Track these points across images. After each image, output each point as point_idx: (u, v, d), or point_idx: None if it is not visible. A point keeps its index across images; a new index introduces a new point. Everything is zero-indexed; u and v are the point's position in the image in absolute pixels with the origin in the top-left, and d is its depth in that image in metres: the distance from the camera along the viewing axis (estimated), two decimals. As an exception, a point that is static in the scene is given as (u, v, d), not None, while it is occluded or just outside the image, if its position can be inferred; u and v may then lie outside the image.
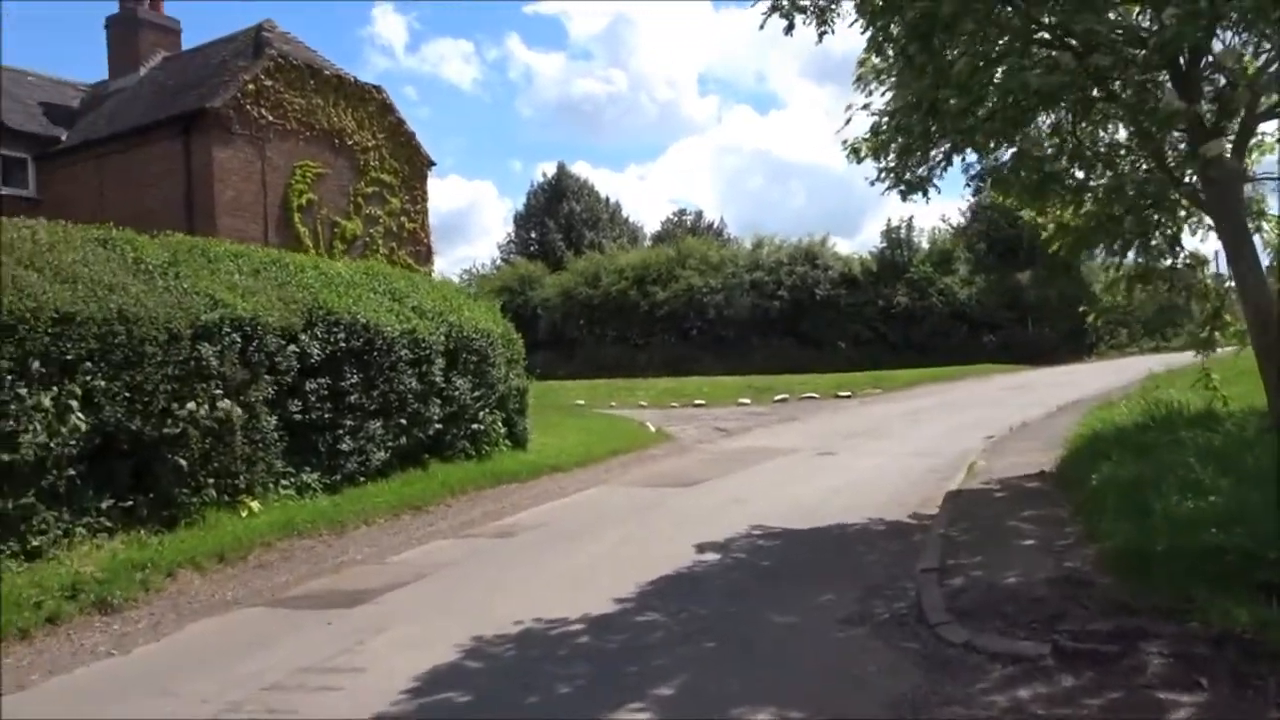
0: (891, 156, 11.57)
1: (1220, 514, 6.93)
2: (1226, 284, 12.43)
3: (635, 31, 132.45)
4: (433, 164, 26.99)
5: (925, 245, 41.57)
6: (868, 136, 11.77)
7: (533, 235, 52.13)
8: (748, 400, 31.34)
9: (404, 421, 14.18)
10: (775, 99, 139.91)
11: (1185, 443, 9.94)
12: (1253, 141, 10.94)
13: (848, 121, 11.51)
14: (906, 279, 39.70)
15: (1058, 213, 12.72)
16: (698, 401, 31.65)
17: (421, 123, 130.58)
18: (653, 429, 23.44)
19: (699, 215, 66.53)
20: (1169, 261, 11.45)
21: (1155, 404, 13.33)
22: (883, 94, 11.52)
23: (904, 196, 11.55)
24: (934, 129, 10.54)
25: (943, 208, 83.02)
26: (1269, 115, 9.80)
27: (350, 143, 23.88)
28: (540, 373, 42.34)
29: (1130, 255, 12.00)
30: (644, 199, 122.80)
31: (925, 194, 11.28)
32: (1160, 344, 43.51)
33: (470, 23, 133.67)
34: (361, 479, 13.27)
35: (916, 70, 9.26)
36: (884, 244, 41.01)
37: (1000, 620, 6.43)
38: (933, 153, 11.09)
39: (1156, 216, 10.79)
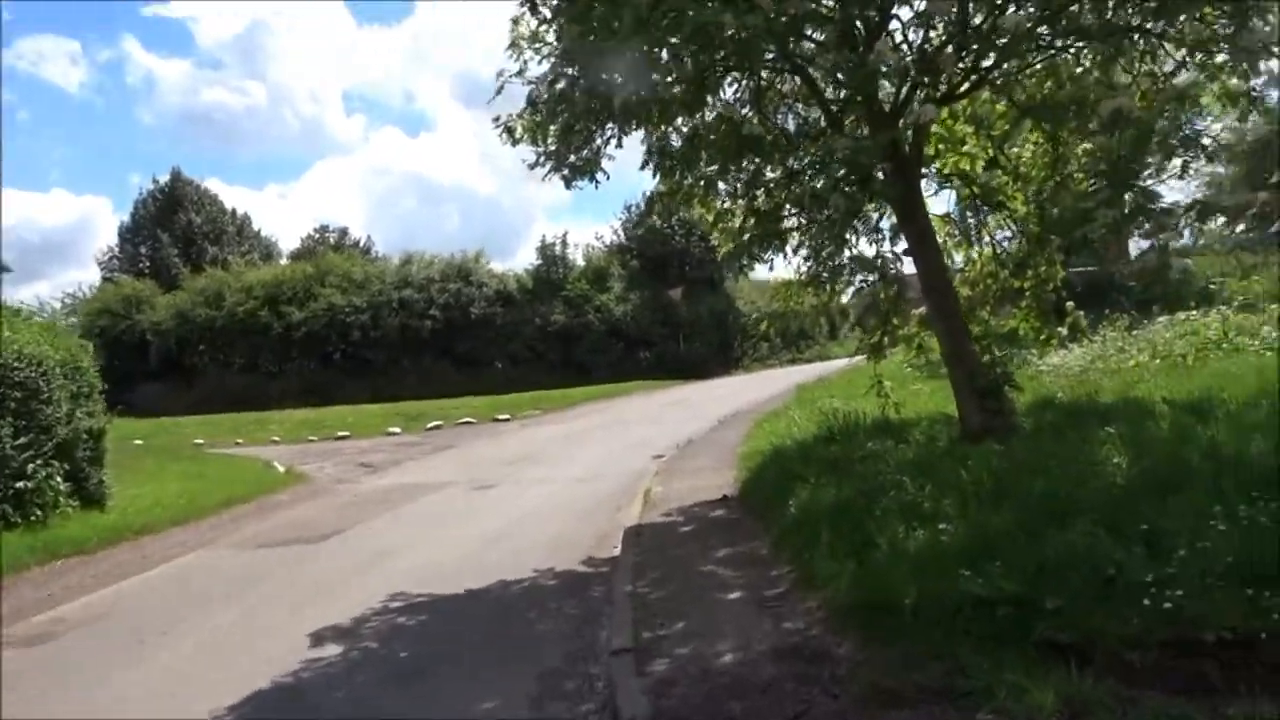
0: (552, 138, 9.73)
1: (963, 546, 5.64)
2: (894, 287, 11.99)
3: (273, 40, 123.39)
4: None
5: (581, 262, 41.03)
6: (524, 113, 9.84)
7: (143, 251, 45.05)
8: (398, 429, 28.48)
9: (-115, 486, 9.99)
10: (425, 120, 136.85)
11: (879, 456, 8.95)
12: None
13: (499, 91, 9.46)
14: (563, 296, 38.78)
15: (728, 209, 11.60)
16: (340, 434, 28.27)
17: (20, 129, 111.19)
18: (282, 469, 19.99)
19: (343, 233, 62.05)
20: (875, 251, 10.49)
21: (830, 414, 12.59)
22: (540, 62, 9.66)
23: (568, 183, 9.74)
24: (597, 106, 8.82)
25: (596, 227, 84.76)
26: (947, 98, 9.13)
27: None
28: (148, 408, 36.76)
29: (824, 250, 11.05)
30: (286, 219, 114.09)
31: (593, 178, 9.54)
32: (796, 355, 46.49)
33: (75, 20, 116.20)
34: None
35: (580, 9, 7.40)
36: (539, 261, 39.86)
37: (728, 729, 4.58)
38: (603, 130, 9.38)
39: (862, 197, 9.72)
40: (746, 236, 11.28)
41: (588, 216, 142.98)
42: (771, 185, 10.92)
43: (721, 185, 11.02)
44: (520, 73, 9.23)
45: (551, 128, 9.58)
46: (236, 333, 35.90)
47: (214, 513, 15.12)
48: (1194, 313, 19.62)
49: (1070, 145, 11.34)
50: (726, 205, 11.57)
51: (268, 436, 29.04)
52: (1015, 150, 12.00)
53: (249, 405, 34.50)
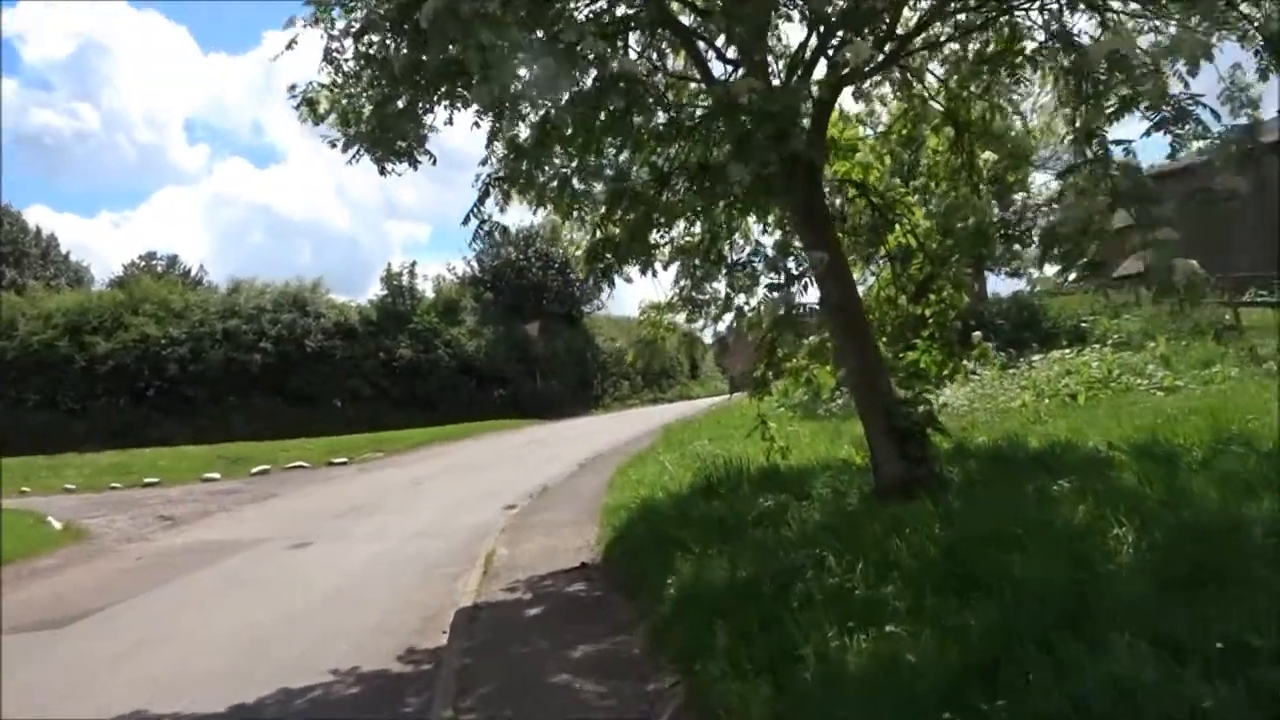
0: (366, 109, 7.64)
1: (933, 663, 3.84)
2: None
3: (108, 63, 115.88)
4: None
5: (430, 294, 38.36)
6: (331, 82, 7.71)
7: (-76, 273, 39.56)
8: (217, 475, 25.17)
9: None
10: (274, 152, 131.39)
11: (777, 516, 7.16)
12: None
13: (290, 45, 7.25)
14: (410, 329, 35.92)
15: (588, 214, 9.73)
16: (149, 480, 24.75)
17: None
18: (58, 526, 16.75)
19: (172, 260, 57.11)
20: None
21: (707, 460, 10.80)
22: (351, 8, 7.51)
23: (382, 169, 7.61)
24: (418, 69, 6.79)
25: (449, 257, 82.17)
26: (854, 75, 7.53)
27: None
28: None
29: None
30: (120, 250, 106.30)
31: (413, 160, 7.46)
32: (658, 395, 45.04)
33: None
34: None
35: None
36: (384, 291, 36.91)
37: None
38: (428, 101, 7.33)
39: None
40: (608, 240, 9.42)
41: (447, 253, 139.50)
42: (638, 186, 9.12)
43: (577, 183, 9.17)
44: (318, 20, 7.06)
45: (365, 98, 7.51)
46: (30, 365, 31.35)
47: (-61, 587, 12.04)
48: (1067, 351, 19.07)
49: (974, 152, 10.08)
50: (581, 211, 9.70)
51: (61, 484, 25.19)
52: (911, 157, 10.69)
53: (47, 448, 30.16)
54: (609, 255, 9.63)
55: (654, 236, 9.96)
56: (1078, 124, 9.64)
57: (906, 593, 4.70)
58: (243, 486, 22.89)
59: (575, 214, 9.80)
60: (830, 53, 7.41)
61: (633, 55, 8.45)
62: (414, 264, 37.54)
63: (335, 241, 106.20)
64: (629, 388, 43.60)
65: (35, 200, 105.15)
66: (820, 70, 7.63)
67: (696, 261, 10.33)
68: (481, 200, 7.37)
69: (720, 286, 10.47)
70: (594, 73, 6.31)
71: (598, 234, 10.03)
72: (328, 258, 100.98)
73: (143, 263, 54.15)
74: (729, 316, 10.75)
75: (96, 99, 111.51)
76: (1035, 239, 23.02)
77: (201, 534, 15.61)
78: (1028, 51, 8.16)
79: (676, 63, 9.72)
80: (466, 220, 7.35)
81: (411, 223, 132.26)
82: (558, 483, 17.53)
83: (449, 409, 34.72)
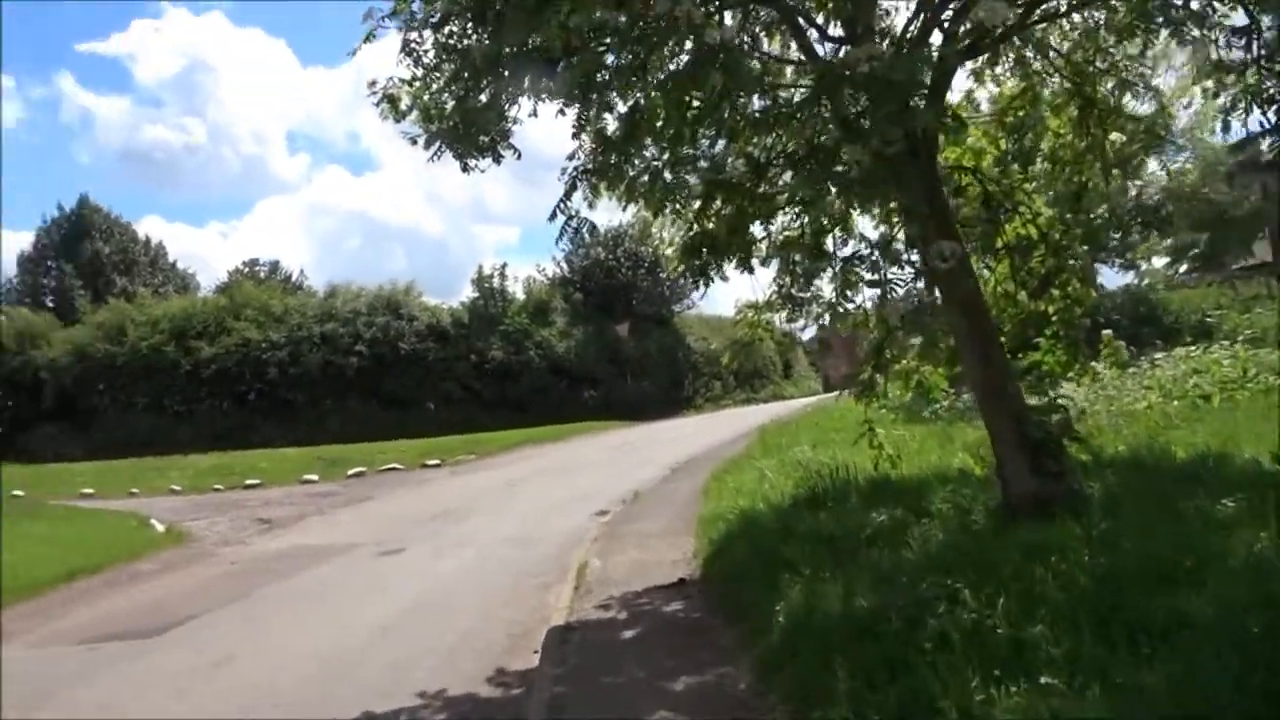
0: (448, 104, 7.27)
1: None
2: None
3: (214, 80, 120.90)
4: None
5: (520, 295, 38.41)
6: (411, 77, 7.38)
7: (45, 282, 41.38)
8: (315, 477, 25.57)
9: None
10: (369, 160, 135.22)
11: (894, 535, 6.53)
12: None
13: (369, 38, 6.92)
14: (501, 331, 36.03)
15: (681, 209, 9.20)
16: (250, 482, 25.31)
17: None
18: (160, 529, 17.07)
19: (274, 266, 58.81)
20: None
21: (810, 469, 10.17)
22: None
23: (465, 166, 7.24)
24: (508, 54, 6.36)
25: (538, 259, 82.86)
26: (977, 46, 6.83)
27: None
28: (43, 453, 33.17)
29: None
30: (227, 258, 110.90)
31: (496, 155, 7.07)
32: (750, 395, 44.29)
33: (6, 55, 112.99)
34: None
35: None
36: (475, 294, 37.10)
37: None
38: (510, 93, 6.92)
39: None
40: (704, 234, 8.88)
41: (537, 255, 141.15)
42: (734, 178, 8.55)
43: (669, 176, 8.66)
44: (396, 12, 6.71)
45: (447, 94, 7.13)
46: (139, 370, 32.49)
47: (44, 590, 12.24)
48: (1192, 348, 17.72)
49: (1099, 135, 9.21)
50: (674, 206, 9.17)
51: (168, 485, 25.96)
52: (1029, 141, 9.85)
53: (154, 449, 31.21)
54: (704, 252, 9.11)
55: (753, 230, 9.43)
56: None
57: (1059, 635, 4.04)
58: (339, 489, 23.10)
59: (667, 209, 9.30)
60: (945, 24, 6.73)
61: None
62: (504, 266, 37.75)
63: (427, 245, 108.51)
64: (721, 388, 42.94)
65: (148, 212, 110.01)
66: (936, 40, 6.95)
67: (797, 257, 9.76)
68: (568, 195, 6.93)
69: (824, 284, 9.95)
70: (688, 46, 5.78)
71: (691, 230, 9.53)
72: (420, 261, 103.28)
73: (245, 269, 55.87)
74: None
75: (203, 114, 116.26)
76: (1174, 224, 21.42)
77: (296, 538, 15.66)
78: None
79: (772, 46, 9.14)
80: (553, 216, 6.92)
81: (502, 226, 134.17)
82: (650, 488, 17.06)
83: (540, 410, 34.69)
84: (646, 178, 8.55)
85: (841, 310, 9.96)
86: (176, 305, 34.79)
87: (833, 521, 7.73)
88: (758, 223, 9.52)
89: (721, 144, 8.63)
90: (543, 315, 37.63)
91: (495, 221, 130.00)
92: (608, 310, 40.17)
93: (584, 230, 7.17)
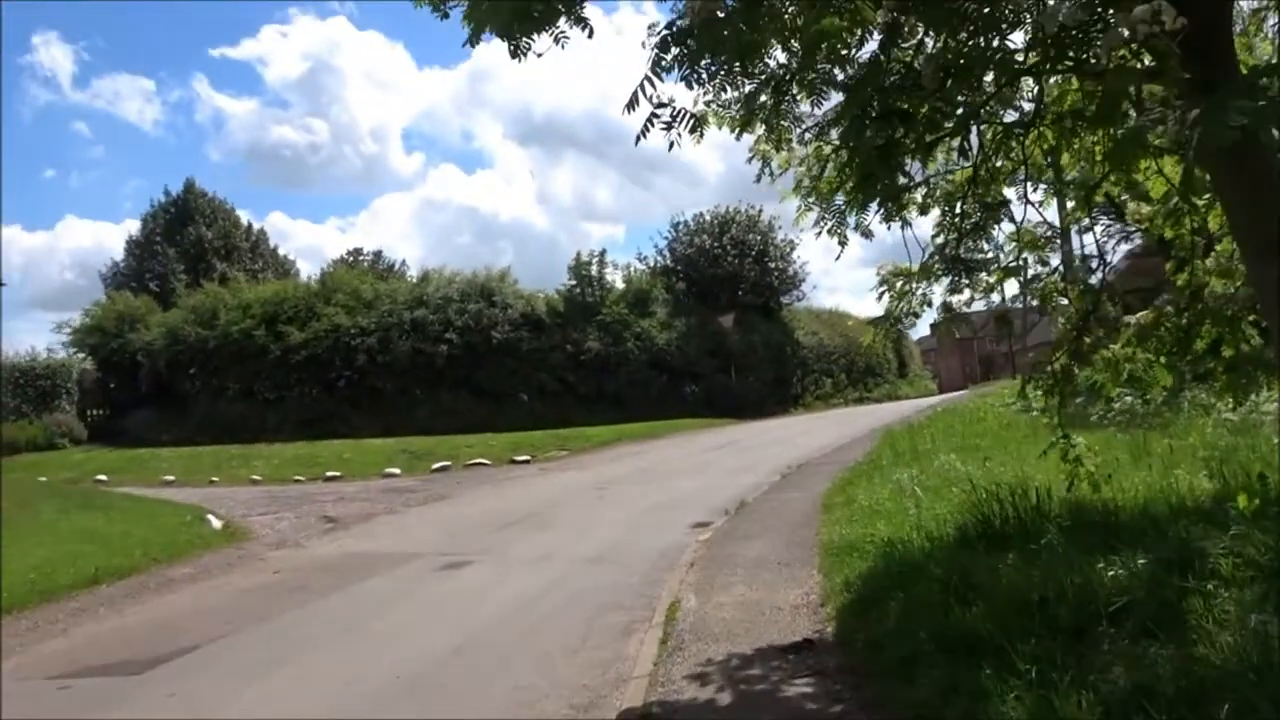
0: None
1: None
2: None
3: (337, 81, 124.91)
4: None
5: (620, 284, 36.32)
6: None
7: (149, 266, 41.34)
8: (398, 470, 24.10)
9: None
10: (481, 158, 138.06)
11: (1158, 606, 4.06)
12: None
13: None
14: (598, 321, 33.97)
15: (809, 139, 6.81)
16: (331, 474, 24.00)
17: (94, 162, 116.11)
18: (217, 525, 15.56)
19: (378, 255, 58.45)
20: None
21: (976, 487, 7.63)
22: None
23: (514, 49, 5.02)
24: None
25: (634, 240, 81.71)
26: None
27: None
28: (138, 437, 32.76)
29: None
30: (342, 253, 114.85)
31: (556, 34, 4.83)
32: (863, 394, 41.26)
33: (149, 60, 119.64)
34: None
35: None
36: (572, 281, 35.12)
37: None
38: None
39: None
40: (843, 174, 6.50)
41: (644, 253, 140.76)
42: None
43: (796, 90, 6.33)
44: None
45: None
46: (230, 355, 31.64)
47: (61, 596, 10.71)
48: None
49: None
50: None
51: (249, 475, 24.93)
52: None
53: (243, 436, 30.37)
54: (845, 191, 6.73)
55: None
56: None
57: None
58: (418, 485, 21.46)
59: (794, 138, 6.96)
60: None
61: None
62: (603, 253, 35.60)
63: (536, 241, 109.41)
64: (832, 386, 40.04)
65: (274, 209, 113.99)
66: None
67: (964, 208, 7.31)
68: (655, 70, 4.57)
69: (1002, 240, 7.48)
70: None
71: (825, 167, 7.19)
72: (530, 257, 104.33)
73: (349, 257, 55.62)
74: (1012, 285, 7.77)
75: (327, 114, 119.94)
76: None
77: (355, 542, 13.89)
78: None
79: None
80: (631, 105, 4.60)
81: (609, 224, 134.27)
82: (758, 497, 14.69)
83: (638, 406, 32.57)
84: (770, 90, 6.28)
85: (1024, 278, 7.60)
86: (269, 290, 33.88)
87: (1033, 572, 5.25)
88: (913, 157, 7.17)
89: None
90: (643, 305, 35.44)
91: (603, 220, 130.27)
92: (711, 301, 37.76)
93: (680, 126, 4.84)
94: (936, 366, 65.46)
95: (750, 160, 7.21)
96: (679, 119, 4.76)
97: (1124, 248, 30.30)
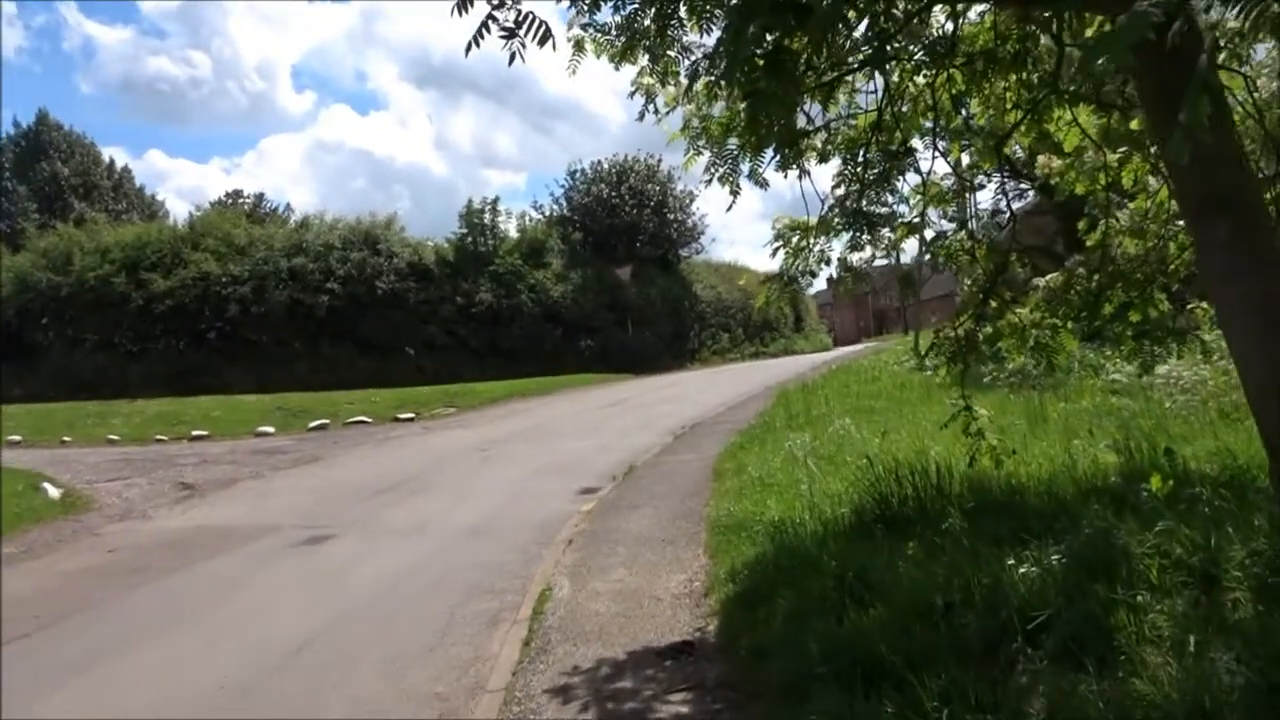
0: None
1: None
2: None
3: (219, 12, 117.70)
4: None
5: (514, 234, 35.02)
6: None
7: (-1, 204, 37.99)
8: (271, 429, 22.65)
9: None
10: (376, 99, 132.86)
11: (1084, 619, 3.48)
12: None
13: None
14: (491, 272, 32.69)
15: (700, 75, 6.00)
16: (197, 433, 22.40)
17: None
18: (54, 494, 14.09)
19: (259, 198, 55.48)
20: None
21: (869, 459, 7.04)
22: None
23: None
24: None
25: (535, 190, 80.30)
26: None
27: None
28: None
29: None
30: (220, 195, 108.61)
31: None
32: (760, 349, 41.18)
33: None
34: None
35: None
36: (463, 229, 33.66)
37: None
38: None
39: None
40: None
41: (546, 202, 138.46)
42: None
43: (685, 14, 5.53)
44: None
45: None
46: (87, 304, 29.26)
47: None
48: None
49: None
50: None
51: (105, 434, 23.04)
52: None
53: (103, 392, 28.23)
54: (737, 134, 5.97)
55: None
56: None
57: None
58: (291, 444, 20.15)
59: (681, 71, 6.15)
60: None
61: None
62: (496, 200, 34.14)
63: (434, 188, 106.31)
64: (729, 340, 39.79)
65: (151, 146, 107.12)
66: None
67: (866, 155, 6.64)
68: None
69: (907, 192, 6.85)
70: None
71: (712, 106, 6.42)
72: (428, 204, 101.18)
73: (229, 199, 52.66)
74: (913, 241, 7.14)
75: (208, 47, 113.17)
76: None
77: (210, 512, 12.71)
78: None
79: None
80: (464, 6, 3.68)
81: (510, 172, 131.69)
82: (648, 459, 14.06)
83: (531, 360, 31.63)
84: (650, 19, 5.49)
85: (927, 235, 6.99)
86: (130, 233, 31.37)
87: (935, 569, 4.66)
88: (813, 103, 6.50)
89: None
90: (537, 256, 34.29)
91: (502, 167, 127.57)
92: (609, 253, 36.86)
93: (526, 35, 3.93)
94: (831, 320, 66.29)
95: (633, 95, 6.37)
96: (525, 25, 3.86)
97: (1014, 206, 30.53)
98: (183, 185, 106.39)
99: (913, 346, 7.58)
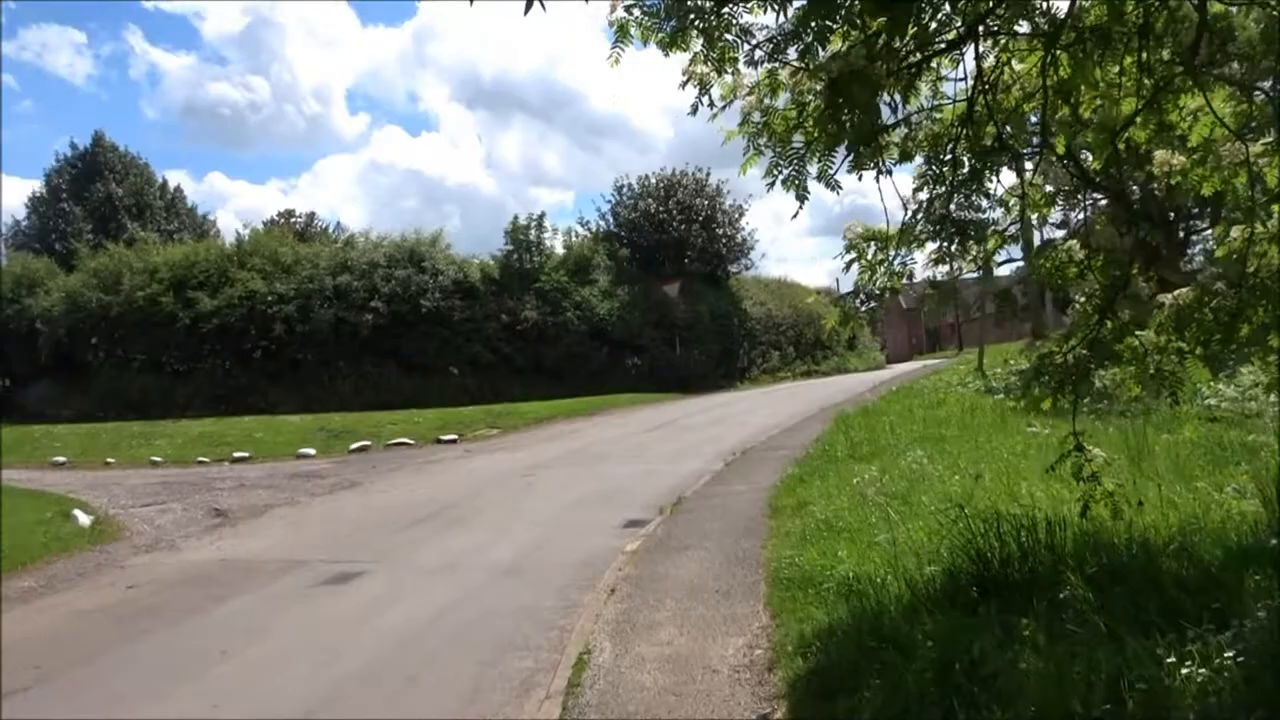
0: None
1: None
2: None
3: (278, 37, 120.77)
4: None
5: (559, 250, 34.37)
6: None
7: (54, 226, 38.19)
8: (312, 451, 22.17)
9: None
10: (427, 120, 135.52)
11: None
12: None
13: None
14: (536, 289, 32.02)
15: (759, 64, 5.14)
16: (239, 455, 21.98)
17: (23, 117, 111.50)
18: (84, 521, 13.62)
19: (311, 217, 55.76)
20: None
21: (978, 513, 6.03)
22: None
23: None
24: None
25: (583, 208, 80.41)
26: None
27: None
28: (36, 411, 30.20)
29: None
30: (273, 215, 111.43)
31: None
32: (812, 368, 40.04)
33: (80, 12, 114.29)
34: None
35: None
36: (509, 246, 33.06)
37: None
38: None
39: None
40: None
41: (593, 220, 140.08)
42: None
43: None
44: None
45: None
46: (135, 323, 29.12)
47: None
48: None
49: None
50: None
51: (149, 455, 22.73)
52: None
53: (151, 412, 28.07)
54: (804, 130, 5.10)
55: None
56: None
57: None
58: (330, 468, 19.58)
59: (741, 57, 5.27)
60: None
61: None
62: (542, 216, 33.47)
63: (483, 207, 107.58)
64: (779, 359, 38.66)
65: (212, 168, 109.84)
66: None
67: (953, 154, 5.70)
68: None
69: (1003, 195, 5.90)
70: None
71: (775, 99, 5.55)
72: (477, 223, 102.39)
73: (281, 219, 52.98)
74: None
75: (267, 72, 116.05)
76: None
77: (238, 544, 12.07)
78: None
79: None
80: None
81: (558, 190, 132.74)
82: (698, 489, 13.15)
83: (577, 379, 30.86)
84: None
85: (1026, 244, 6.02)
86: (178, 252, 31.24)
87: (1068, 660, 3.69)
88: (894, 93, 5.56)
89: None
90: (583, 273, 33.56)
91: (551, 185, 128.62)
92: (656, 269, 36.02)
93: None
94: (883, 337, 64.79)
95: (684, 86, 5.50)
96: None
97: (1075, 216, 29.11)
98: (241, 206, 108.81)
99: (977, 366, 6.63)
